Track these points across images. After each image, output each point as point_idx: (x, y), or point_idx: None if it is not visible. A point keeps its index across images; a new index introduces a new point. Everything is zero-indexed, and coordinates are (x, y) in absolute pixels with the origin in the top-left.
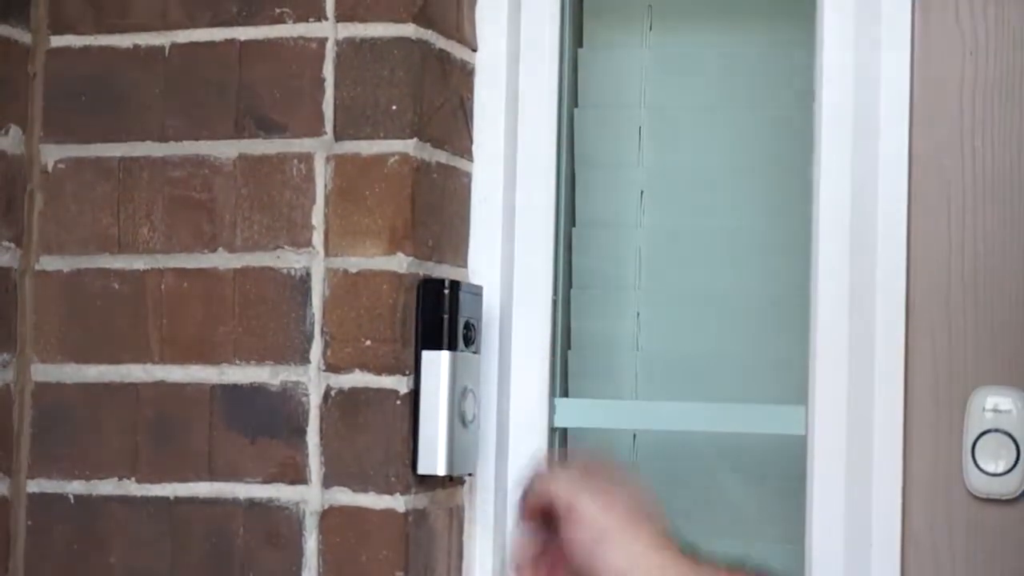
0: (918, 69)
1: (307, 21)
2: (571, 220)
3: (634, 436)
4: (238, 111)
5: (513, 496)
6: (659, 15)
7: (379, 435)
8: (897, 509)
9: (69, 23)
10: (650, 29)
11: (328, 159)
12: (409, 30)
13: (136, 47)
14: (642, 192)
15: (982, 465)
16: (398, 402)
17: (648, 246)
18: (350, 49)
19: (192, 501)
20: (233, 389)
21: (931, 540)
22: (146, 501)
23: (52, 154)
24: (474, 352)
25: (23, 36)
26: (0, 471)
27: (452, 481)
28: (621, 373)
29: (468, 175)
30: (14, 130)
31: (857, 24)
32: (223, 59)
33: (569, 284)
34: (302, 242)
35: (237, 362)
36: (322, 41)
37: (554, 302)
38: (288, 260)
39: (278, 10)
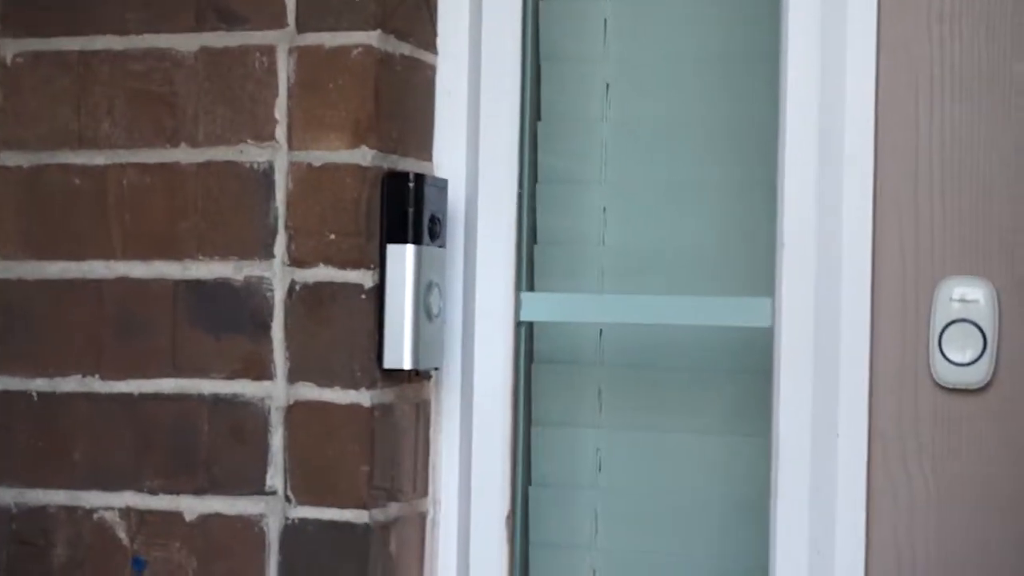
0: None
1: None
2: (536, 114)
3: (600, 331)
4: (199, 3)
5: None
6: None
7: (344, 330)
8: (864, 400)
9: None
10: None
11: (290, 51)
12: None
13: None
14: (608, 85)
15: (949, 355)
16: (363, 296)
17: (613, 140)
18: None
19: (156, 397)
20: (197, 284)
21: (898, 430)
22: (110, 398)
23: (10, 48)
24: (440, 246)
25: None
26: None
27: (418, 375)
28: (587, 267)
29: (432, 68)
30: None
31: None
32: None
33: (535, 178)
34: (265, 136)
35: (200, 257)
36: None
37: (519, 196)
38: (251, 154)
39: None
